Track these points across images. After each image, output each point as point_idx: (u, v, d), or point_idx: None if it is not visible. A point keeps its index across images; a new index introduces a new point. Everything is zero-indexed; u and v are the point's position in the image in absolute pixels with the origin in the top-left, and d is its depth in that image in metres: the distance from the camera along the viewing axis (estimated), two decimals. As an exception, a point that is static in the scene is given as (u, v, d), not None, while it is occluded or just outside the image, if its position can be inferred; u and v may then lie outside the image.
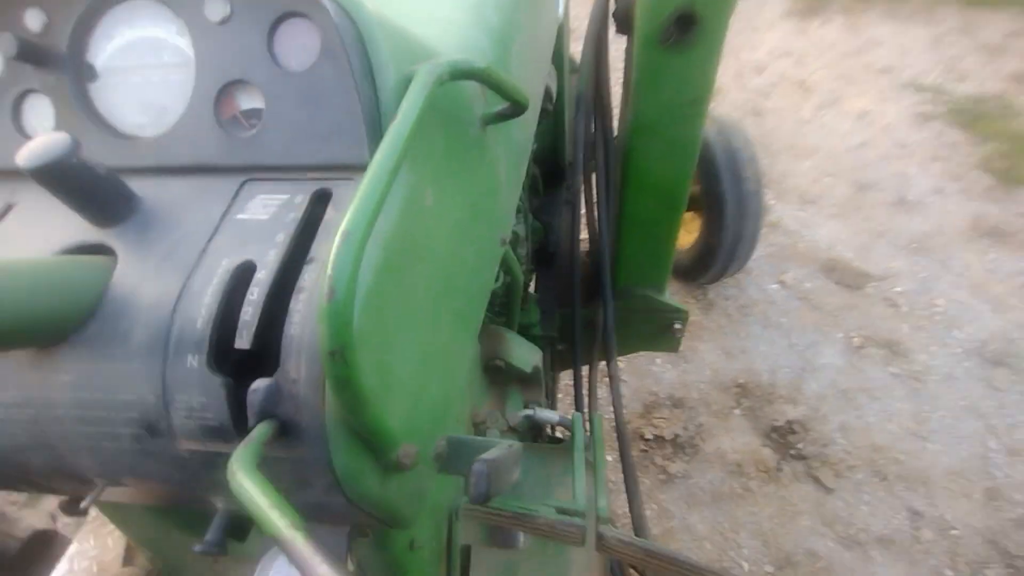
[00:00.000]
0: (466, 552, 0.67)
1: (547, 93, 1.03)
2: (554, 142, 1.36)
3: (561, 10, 1.09)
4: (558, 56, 1.22)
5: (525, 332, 1.09)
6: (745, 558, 1.54)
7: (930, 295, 2.14)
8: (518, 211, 0.89)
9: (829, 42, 3.84)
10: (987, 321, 2.03)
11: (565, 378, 1.68)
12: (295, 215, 0.33)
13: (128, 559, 0.68)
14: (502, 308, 0.90)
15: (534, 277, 1.28)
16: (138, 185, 0.36)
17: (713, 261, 2.00)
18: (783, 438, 1.78)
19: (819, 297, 2.20)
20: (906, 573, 1.47)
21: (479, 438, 0.37)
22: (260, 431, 0.27)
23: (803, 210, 2.58)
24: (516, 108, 0.47)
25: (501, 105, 0.48)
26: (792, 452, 1.74)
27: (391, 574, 0.47)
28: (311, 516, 0.36)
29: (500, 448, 0.36)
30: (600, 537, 0.54)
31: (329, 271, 0.25)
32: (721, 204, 1.84)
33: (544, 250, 1.28)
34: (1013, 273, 2.18)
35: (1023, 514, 1.55)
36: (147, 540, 0.61)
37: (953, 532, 1.53)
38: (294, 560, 0.22)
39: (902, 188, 2.61)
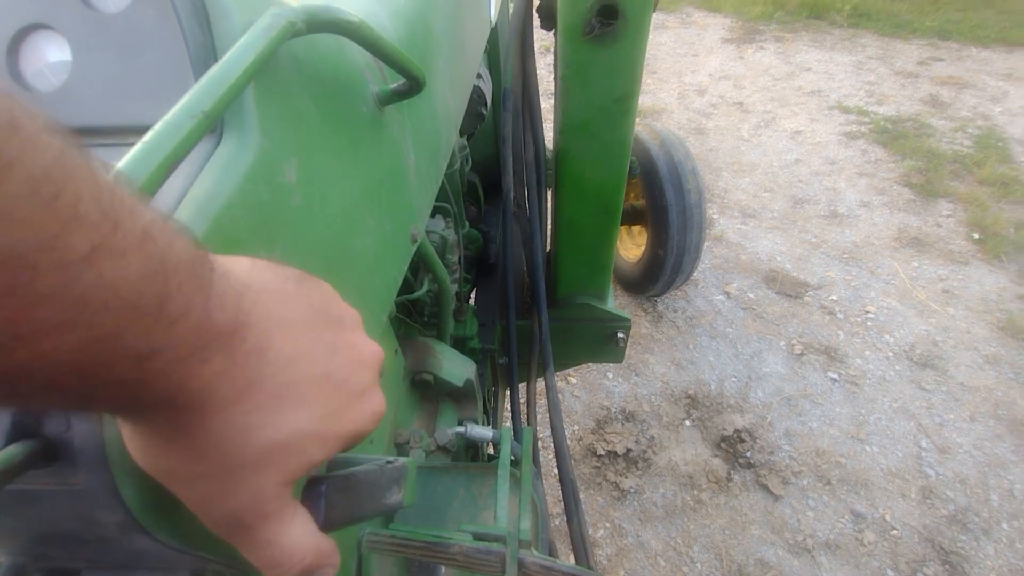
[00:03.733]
0: (382, 591, 0.60)
1: (481, 97, 1.01)
2: (495, 151, 1.33)
3: (494, 15, 1.07)
4: (494, 63, 1.20)
5: (462, 345, 1.04)
6: (698, 572, 1.51)
7: (862, 302, 2.25)
8: (447, 215, 0.85)
9: (764, 67, 4.08)
10: (914, 326, 2.14)
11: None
12: None
13: None
14: (432, 319, 0.85)
15: (473, 289, 1.23)
16: None
17: (660, 273, 2.02)
18: (732, 447, 1.79)
19: (762, 306, 2.26)
20: (852, 577, 1.48)
21: (351, 455, 0.31)
22: (5, 455, 0.21)
23: (744, 224, 2.67)
24: (413, 84, 0.43)
25: (397, 82, 0.43)
26: (741, 461, 1.75)
27: None
28: (128, 563, 0.29)
29: (370, 465, 0.30)
30: (521, 564, 0.49)
31: None
32: (665, 216, 1.87)
33: (484, 261, 1.24)
34: (934, 279, 2.32)
35: (954, 510, 1.60)
36: None
37: (893, 532, 1.57)
38: None
39: (833, 202, 2.76)
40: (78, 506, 0.23)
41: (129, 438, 0.21)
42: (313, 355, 0.23)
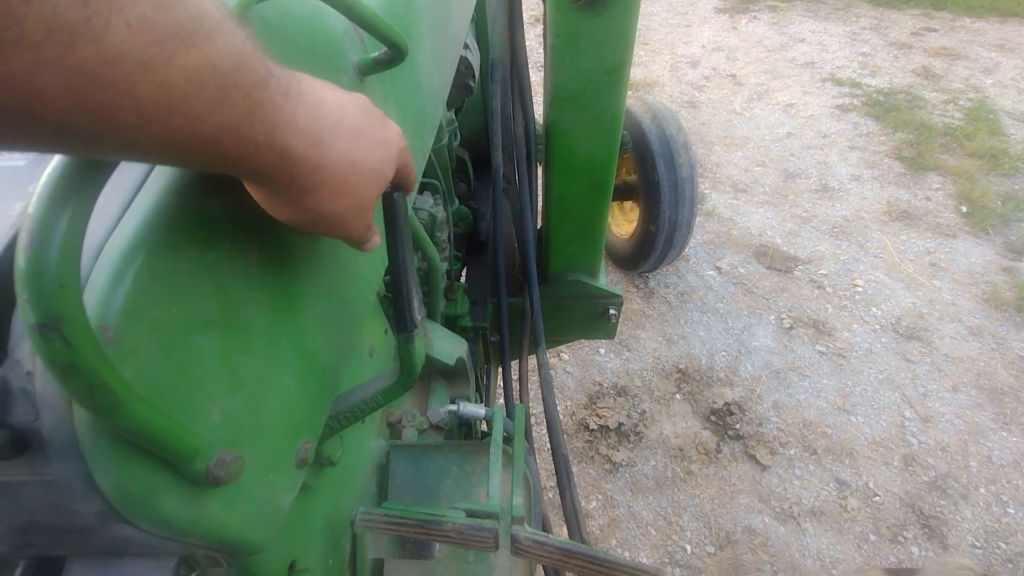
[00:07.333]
0: (377, 567, 0.61)
1: (469, 69, 0.97)
2: (484, 125, 1.30)
3: None
4: (482, 33, 1.16)
5: (453, 323, 1.03)
6: (688, 540, 1.56)
7: (851, 276, 2.26)
8: (436, 192, 0.83)
9: (757, 38, 4.01)
10: (900, 298, 2.16)
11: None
12: None
13: None
14: (422, 297, 0.84)
15: (464, 267, 1.22)
16: None
17: (652, 248, 2.01)
18: (722, 420, 1.82)
19: (752, 281, 2.27)
20: (835, 541, 1.53)
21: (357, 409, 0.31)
22: None
23: (736, 198, 2.67)
24: (395, 53, 0.41)
25: (379, 51, 0.41)
26: (730, 433, 1.79)
27: None
28: (114, 551, 0.28)
29: None
30: (514, 539, 0.49)
31: (31, 206, 0.18)
32: (657, 191, 1.85)
33: (475, 238, 1.22)
34: (922, 252, 2.34)
35: (935, 477, 1.66)
36: None
37: (876, 499, 1.62)
38: None
39: (825, 176, 2.75)
40: (53, 497, 0.22)
41: (284, 205, 0.29)
42: (346, 106, 0.31)
